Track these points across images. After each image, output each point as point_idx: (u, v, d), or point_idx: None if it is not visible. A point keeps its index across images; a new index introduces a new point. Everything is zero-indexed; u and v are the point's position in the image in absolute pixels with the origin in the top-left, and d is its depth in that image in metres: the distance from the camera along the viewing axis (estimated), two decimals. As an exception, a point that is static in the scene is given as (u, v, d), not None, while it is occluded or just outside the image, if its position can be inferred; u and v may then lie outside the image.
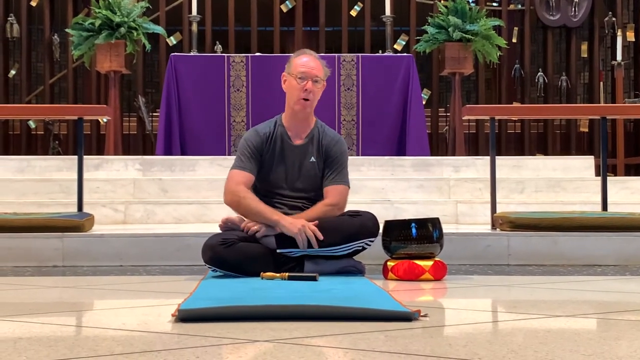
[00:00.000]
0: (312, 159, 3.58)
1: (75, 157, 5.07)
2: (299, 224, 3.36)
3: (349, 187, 3.62)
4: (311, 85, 3.54)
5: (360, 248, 3.47)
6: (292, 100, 3.58)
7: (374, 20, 8.70)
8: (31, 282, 3.54)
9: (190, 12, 7.77)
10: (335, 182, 3.55)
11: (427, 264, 3.45)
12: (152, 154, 7.35)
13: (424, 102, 7.60)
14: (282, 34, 8.80)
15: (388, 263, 3.52)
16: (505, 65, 8.80)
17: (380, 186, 5.98)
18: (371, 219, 3.48)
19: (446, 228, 3.71)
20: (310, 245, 3.37)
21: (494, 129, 5.00)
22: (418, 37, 7.82)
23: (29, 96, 8.82)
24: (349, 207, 3.64)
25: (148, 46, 7.41)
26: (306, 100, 3.54)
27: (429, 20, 7.51)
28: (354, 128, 6.92)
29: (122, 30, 7.07)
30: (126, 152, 7.94)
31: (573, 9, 8.79)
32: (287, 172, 3.56)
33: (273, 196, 3.56)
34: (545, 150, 8.80)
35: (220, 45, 8.50)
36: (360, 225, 3.43)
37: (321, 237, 3.35)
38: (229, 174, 3.58)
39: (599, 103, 8.72)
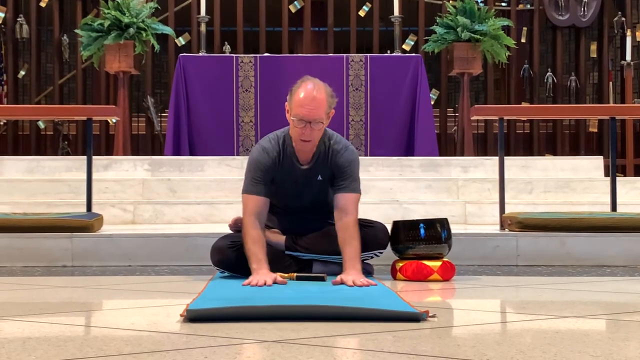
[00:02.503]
0: (319, 177, 3.43)
1: (84, 157, 5.08)
2: (261, 279, 3.07)
3: (360, 194, 3.42)
4: (309, 130, 3.25)
5: (370, 257, 3.47)
6: (293, 137, 3.37)
7: (382, 21, 8.69)
8: (40, 282, 3.55)
9: (199, 12, 7.78)
10: (346, 189, 3.35)
11: (435, 264, 3.44)
12: (161, 154, 7.36)
13: (432, 103, 7.59)
14: (290, 35, 8.81)
15: (396, 263, 3.52)
16: (514, 66, 8.78)
17: (389, 186, 5.98)
18: (382, 230, 3.47)
19: (454, 228, 3.70)
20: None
21: (503, 129, 4.99)
22: (426, 37, 7.81)
23: (39, 97, 8.85)
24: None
25: (157, 47, 7.42)
26: (306, 141, 3.32)
27: (438, 21, 7.50)
28: (362, 128, 6.92)
29: (131, 30, 7.09)
30: (135, 152, 7.96)
31: (582, 8, 8.76)
32: (296, 189, 3.46)
33: (281, 211, 3.54)
34: (554, 151, 8.77)
35: (228, 46, 8.51)
36: (372, 237, 3.41)
37: (270, 284, 3.05)
38: (243, 199, 3.39)
39: (608, 103, 8.70)
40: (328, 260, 3.44)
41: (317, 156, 3.40)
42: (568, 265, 4.24)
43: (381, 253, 3.48)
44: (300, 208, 3.51)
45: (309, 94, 3.25)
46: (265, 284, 3.00)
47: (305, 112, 3.24)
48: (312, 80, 3.32)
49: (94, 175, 5.05)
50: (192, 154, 6.79)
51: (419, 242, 3.47)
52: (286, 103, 3.36)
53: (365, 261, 3.46)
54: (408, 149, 6.91)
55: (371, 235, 3.41)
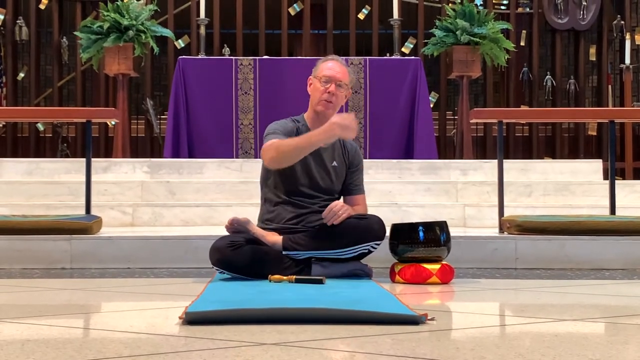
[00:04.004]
0: (334, 163, 3.62)
1: (84, 159, 5.08)
2: (335, 127, 3.32)
3: None
4: (334, 88, 3.57)
5: (367, 251, 3.47)
6: (314, 101, 3.62)
7: (381, 24, 8.70)
8: (39, 284, 3.55)
9: (198, 15, 7.78)
10: (361, 191, 3.73)
11: (434, 267, 3.44)
12: (160, 156, 7.36)
13: (431, 105, 7.59)
14: (290, 37, 8.81)
15: (395, 266, 3.52)
16: (513, 69, 8.79)
17: (388, 189, 5.98)
18: (377, 222, 3.48)
19: (453, 231, 3.70)
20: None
21: (502, 132, 4.99)
22: (426, 40, 7.82)
23: (38, 99, 8.85)
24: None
25: (156, 49, 7.43)
26: (329, 102, 3.57)
27: (437, 24, 7.51)
28: (361, 131, 6.92)
29: (131, 33, 7.09)
30: (134, 154, 7.95)
31: (581, 12, 8.77)
32: (309, 173, 3.57)
33: (292, 196, 3.57)
34: (553, 154, 8.78)
35: (228, 48, 8.51)
36: (367, 228, 3.44)
37: (355, 120, 3.37)
38: (267, 146, 3.49)
39: (607, 106, 8.70)
40: (326, 257, 3.44)
41: (333, 142, 3.60)
42: (567, 268, 4.24)
43: (377, 245, 3.47)
44: (314, 194, 3.53)
45: (335, 63, 3.65)
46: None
47: (334, 73, 3.59)
48: (337, 57, 3.73)
49: (93, 178, 5.05)
50: (191, 156, 6.79)
51: (417, 245, 3.47)
52: (309, 77, 3.66)
53: (362, 254, 3.47)
54: (407, 152, 6.91)
55: (366, 226, 3.44)
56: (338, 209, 3.40)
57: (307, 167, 3.57)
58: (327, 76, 3.59)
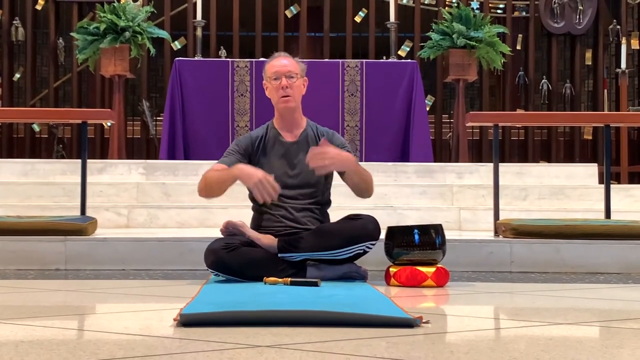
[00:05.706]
0: None
1: (79, 160, 5.07)
2: (255, 177, 3.33)
3: None
4: (286, 81, 3.58)
5: (362, 251, 3.46)
6: (275, 102, 3.65)
7: (378, 27, 8.71)
8: (34, 286, 3.54)
9: (195, 17, 7.78)
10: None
11: (429, 270, 3.45)
12: (156, 158, 7.36)
13: (427, 109, 7.60)
14: (286, 40, 8.82)
15: (390, 269, 3.52)
16: (509, 72, 8.80)
17: (383, 192, 5.98)
18: (372, 221, 3.48)
19: (449, 234, 3.70)
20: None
21: (498, 136, 5.00)
22: (422, 44, 7.83)
23: (34, 100, 8.84)
24: (350, 212, 3.65)
25: (152, 51, 7.42)
26: (286, 97, 3.58)
27: (433, 27, 7.52)
28: (357, 134, 6.92)
29: (127, 34, 7.09)
30: (130, 156, 7.95)
31: (577, 16, 8.79)
32: (285, 170, 3.57)
33: (277, 198, 3.56)
34: (548, 158, 8.79)
35: (224, 50, 8.51)
36: (361, 228, 3.43)
37: (279, 191, 3.32)
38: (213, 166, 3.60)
39: (603, 111, 8.72)
40: (322, 259, 3.43)
41: (306, 135, 3.63)
42: (562, 272, 4.24)
43: (373, 245, 3.46)
44: (294, 193, 3.53)
45: (278, 58, 3.68)
46: (260, 180, 3.29)
47: (278, 67, 3.61)
48: (279, 53, 3.76)
49: (89, 179, 5.05)
50: (186, 158, 6.78)
51: (413, 247, 3.47)
52: (263, 82, 3.71)
53: (357, 255, 3.46)
54: (403, 155, 6.91)
55: (360, 226, 3.43)
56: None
57: (282, 167, 3.57)
58: (275, 72, 3.60)
